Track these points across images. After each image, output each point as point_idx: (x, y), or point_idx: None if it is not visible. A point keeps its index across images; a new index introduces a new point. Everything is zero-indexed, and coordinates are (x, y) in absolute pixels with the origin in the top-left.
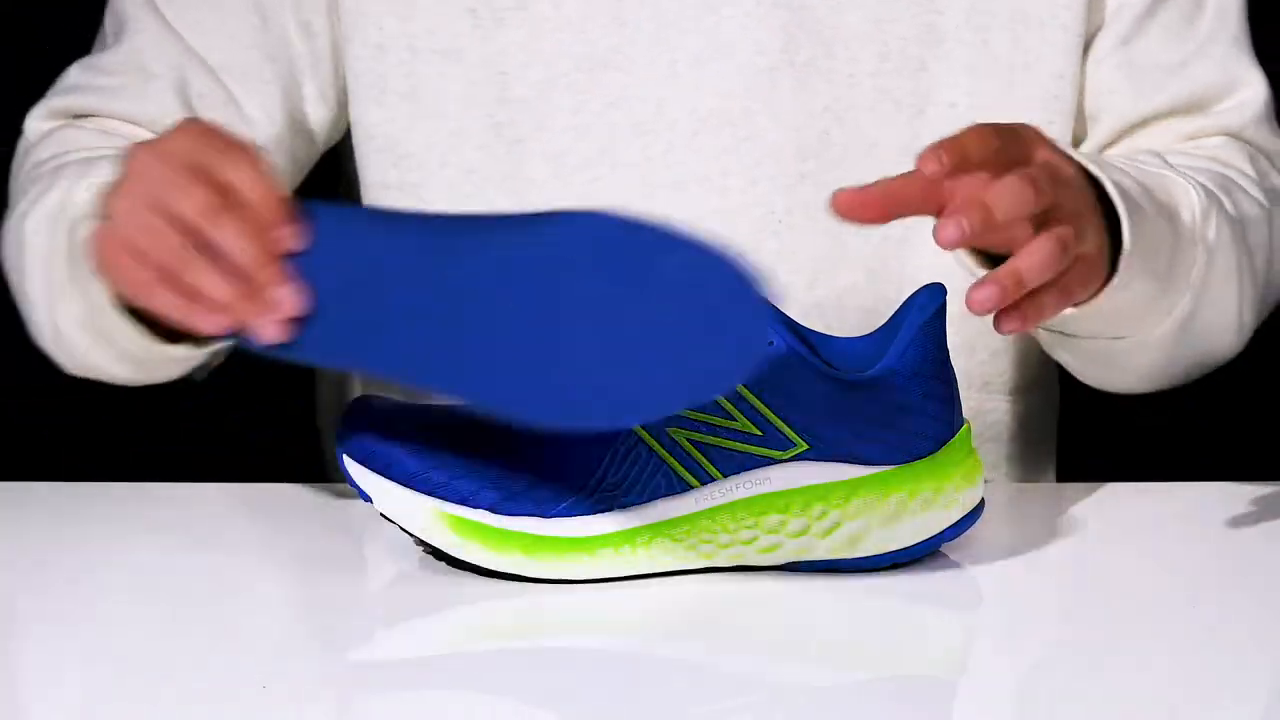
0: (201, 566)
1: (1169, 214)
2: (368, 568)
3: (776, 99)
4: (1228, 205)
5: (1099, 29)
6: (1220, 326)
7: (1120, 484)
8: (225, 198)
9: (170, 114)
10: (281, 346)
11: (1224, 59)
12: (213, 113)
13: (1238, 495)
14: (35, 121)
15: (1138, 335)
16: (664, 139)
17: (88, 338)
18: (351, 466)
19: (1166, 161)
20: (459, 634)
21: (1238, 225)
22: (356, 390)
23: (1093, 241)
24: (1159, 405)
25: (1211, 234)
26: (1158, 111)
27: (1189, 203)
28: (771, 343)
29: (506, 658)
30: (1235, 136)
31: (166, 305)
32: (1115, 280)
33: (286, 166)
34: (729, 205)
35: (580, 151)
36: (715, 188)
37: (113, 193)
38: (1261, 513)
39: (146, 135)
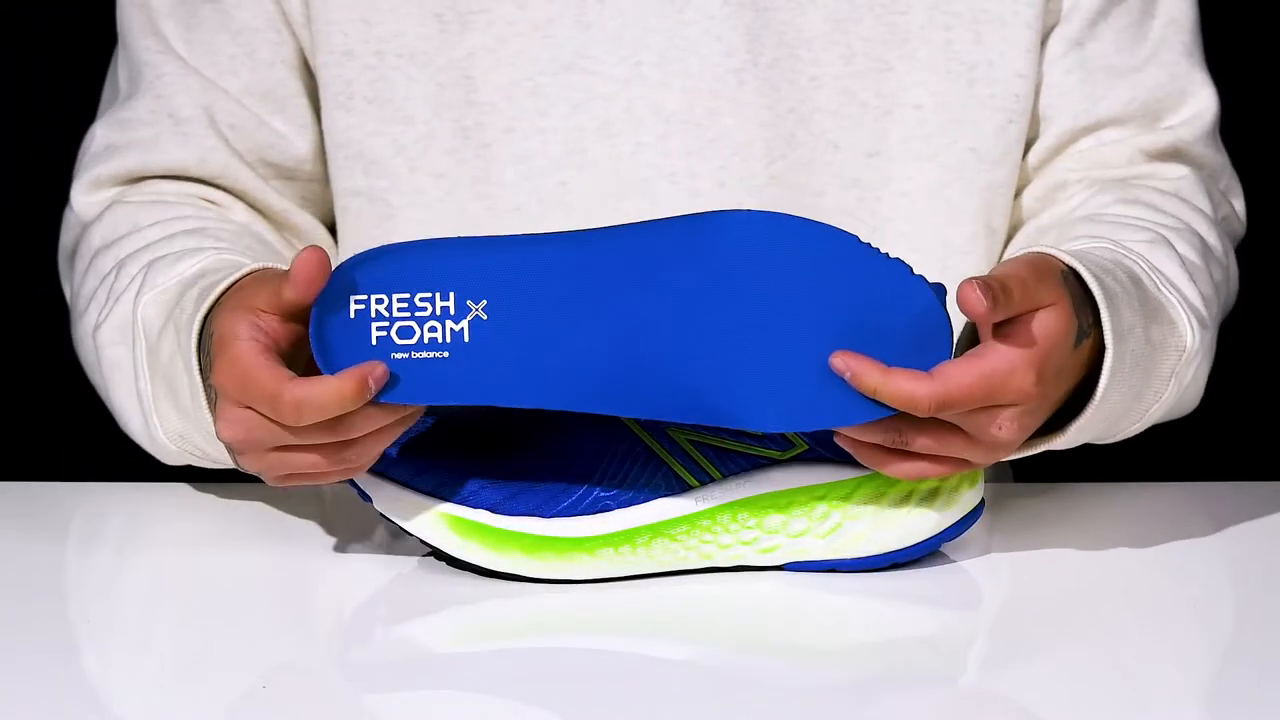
0: (201, 566)
1: (1154, 360)
2: (368, 568)
3: (742, 100)
4: (1209, 292)
5: (1053, 27)
6: (1178, 415)
7: (1119, 484)
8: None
9: (211, 151)
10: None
11: (1175, 67)
12: (248, 140)
13: (1238, 495)
14: (82, 196)
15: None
16: (632, 140)
17: (188, 445)
18: None
19: (1177, 254)
20: (459, 634)
21: (1214, 307)
22: None
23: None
24: None
25: (1189, 376)
26: (1110, 117)
27: (1180, 346)
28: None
29: (506, 658)
30: (1186, 153)
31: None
32: (1041, 446)
33: (325, 176)
34: (698, 206)
35: (548, 154)
36: (684, 189)
37: (237, 457)
38: (1260, 512)
39: (197, 189)
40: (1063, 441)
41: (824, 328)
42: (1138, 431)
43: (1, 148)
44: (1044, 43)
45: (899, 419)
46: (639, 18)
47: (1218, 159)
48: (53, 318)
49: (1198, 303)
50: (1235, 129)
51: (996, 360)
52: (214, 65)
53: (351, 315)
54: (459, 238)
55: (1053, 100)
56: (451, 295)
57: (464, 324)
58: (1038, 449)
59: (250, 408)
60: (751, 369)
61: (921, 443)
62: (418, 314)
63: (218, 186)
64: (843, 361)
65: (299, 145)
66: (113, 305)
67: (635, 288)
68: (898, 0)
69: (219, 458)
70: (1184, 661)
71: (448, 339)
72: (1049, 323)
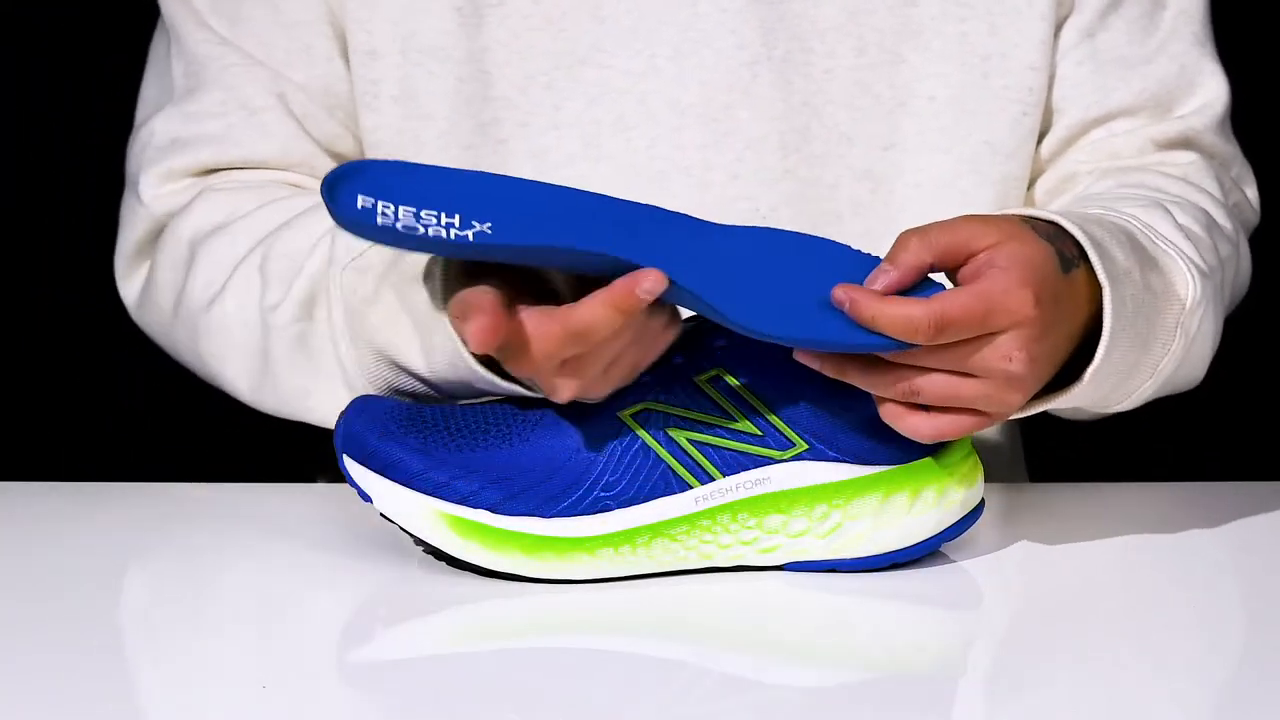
0: (201, 566)
1: (1157, 308)
2: (368, 568)
3: (756, 93)
4: (1214, 263)
5: (1066, 18)
6: (1189, 381)
7: (1120, 484)
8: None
9: (293, 139)
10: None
11: (1185, 57)
12: (320, 129)
13: (1239, 495)
14: (150, 188)
15: (1093, 410)
16: (646, 134)
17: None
18: (351, 466)
19: (1172, 217)
20: (459, 634)
21: (1217, 275)
22: None
23: (1022, 399)
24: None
25: (1194, 326)
26: (1121, 108)
27: (1183, 295)
28: None
29: (506, 658)
30: (1197, 143)
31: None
32: (1058, 399)
33: None
34: (712, 199)
35: (563, 148)
36: (698, 182)
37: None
38: (1262, 512)
39: (275, 174)
40: (1079, 392)
41: (824, 282)
42: (1150, 393)
43: (1, 148)
44: (1056, 34)
45: (905, 370)
46: (653, 11)
47: (1228, 148)
48: (53, 318)
49: (1196, 257)
50: (1246, 121)
51: (990, 281)
52: (274, 60)
53: (358, 206)
54: (470, 170)
55: (1064, 92)
56: (457, 216)
57: (469, 233)
58: (1054, 402)
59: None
60: (758, 292)
61: (930, 390)
62: (422, 221)
63: (293, 173)
64: (843, 292)
65: (354, 145)
66: (283, 283)
67: (643, 232)
68: None
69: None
70: (1186, 662)
71: (452, 239)
72: (1019, 249)
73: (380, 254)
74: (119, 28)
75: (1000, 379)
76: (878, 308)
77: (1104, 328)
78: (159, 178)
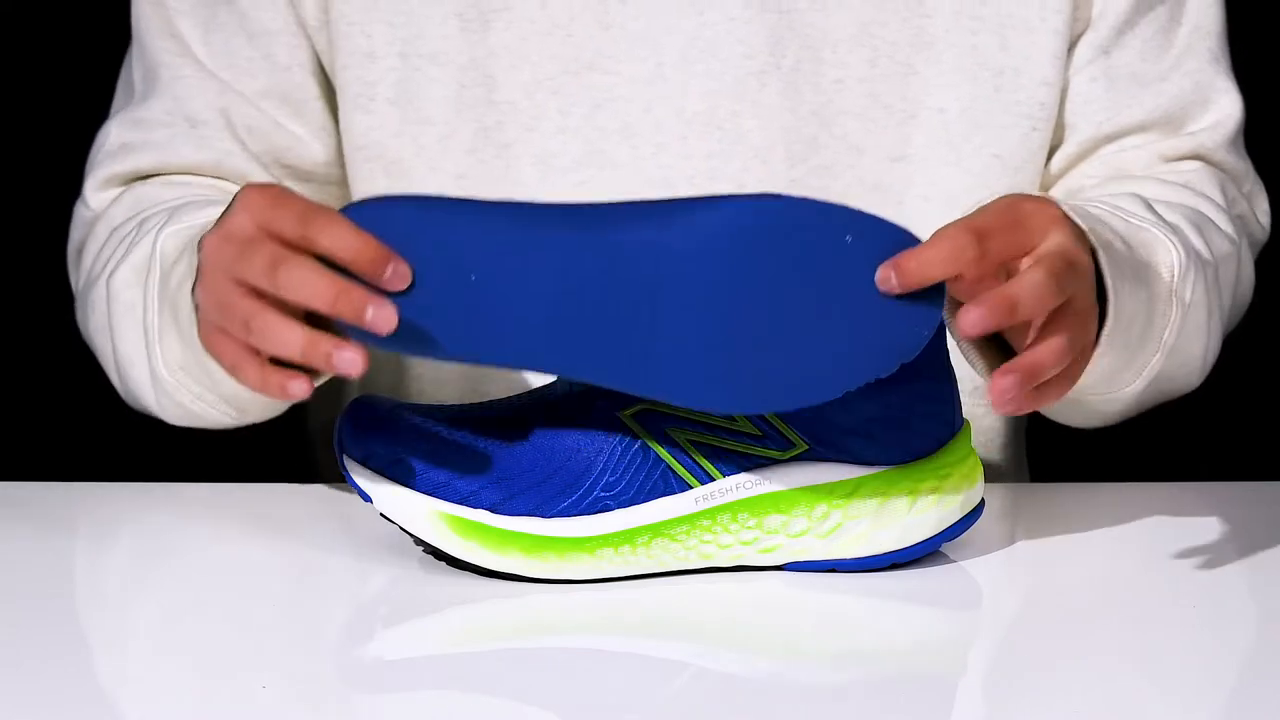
0: (201, 567)
1: (1149, 276)
2: (368, 568)
3: (764, 102)
4: (1204, 251)
5: (1081, 34)
6: (1188, 371)
7: (1122, 484)
8: (293, 248)
9: (227, 155)
10: (392, 341)
11: (1200, 74)
12: (264, 142)
13: (1243, 495)
14: (94, 193)
15: (1106, 394)
16: (652, 141)
17: (188, 380)
18: (351, 466)
19: (1150, 206)
20: (459, 634)
21: (1211, 268)
22: (346, 395)
23: (1091, 328)
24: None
25: (1188, 294)
26: (1134, 125)
27: (1169, 262)
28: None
29: (506, 658)
30: (1208, 159)
31: (249, 380)
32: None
33: (343, 179)
34: None
35: (569, 154)
36: (704, 191)
37: (197, 285)
38: (1266, 512)
39: (214, 180)
40: (1100, 359)
41: (810, 311)
42: (1157, 367)
43: (1, 148)
44: (1071, 49)
45: (1027, 350)
46: (660, 18)
47: (1240, 165)
48: (53, 318)
49: (1175, 232)
50: (1253, 134)
51: (999, 200)
52: (232, 67)
53: None
54: (454, 203)
55: (1077, 108)
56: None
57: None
58: (1091, 363)
59: (241, 281)
60: (712, 356)
61: (1047, 353)
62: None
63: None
64: (883, 272)
65: (315, 149)
66: (129, 250)
67: (610, 281)
68: (923, 3)
69: (215, 387)
70: (1186, 662)
71: None
72: (1006, 198)
73: (201, 220)
74: (122, 20)
75: (1054, 267)
76: (918, 259)
77: (1106, 281)
78: (103, 182)
